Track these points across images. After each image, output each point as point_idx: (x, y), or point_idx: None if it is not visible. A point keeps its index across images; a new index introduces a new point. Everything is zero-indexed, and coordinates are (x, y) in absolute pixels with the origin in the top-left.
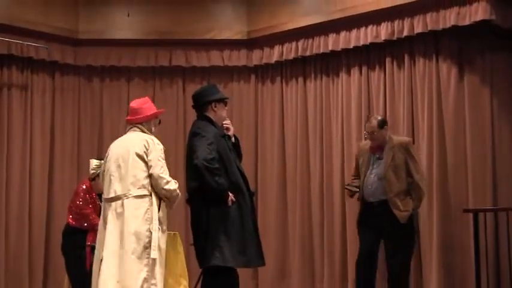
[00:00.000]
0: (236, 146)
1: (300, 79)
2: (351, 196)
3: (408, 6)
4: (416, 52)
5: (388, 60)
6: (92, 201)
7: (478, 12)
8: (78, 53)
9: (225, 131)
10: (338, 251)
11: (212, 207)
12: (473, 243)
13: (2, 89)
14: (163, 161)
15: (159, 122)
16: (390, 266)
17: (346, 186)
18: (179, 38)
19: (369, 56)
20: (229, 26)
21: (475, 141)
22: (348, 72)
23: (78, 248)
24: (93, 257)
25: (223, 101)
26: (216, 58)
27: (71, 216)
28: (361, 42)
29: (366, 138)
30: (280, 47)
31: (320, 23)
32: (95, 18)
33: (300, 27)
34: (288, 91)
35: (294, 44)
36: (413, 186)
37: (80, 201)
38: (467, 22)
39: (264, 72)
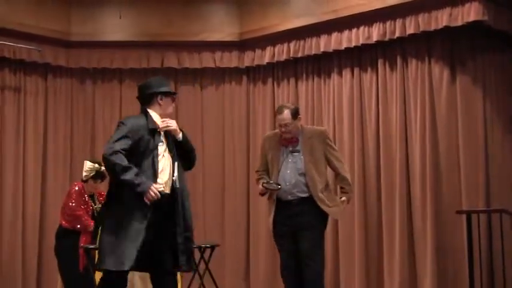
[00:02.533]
0: (183, 144)
1: (292, 80)
2: (263, 194)
3: (400, 7)
4: (408, 53)
5: (380, 61)
6: (84, 203)
7: (470, 13)
8: (70, 55)
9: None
10: (329, 250)
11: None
12: (467, 244)
13: None
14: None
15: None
16: (306, 274)
17: (265, 185)
18: (171, 39)
19: (360, 57)
20: (221, 27)
21: (468, 142)
22: (340, 74)
23: (71, 250)
24: (86, 258)
25: (171, 95)
26: (208, 60)
27: (63, 218)
28: (353, 44)
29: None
30: (272, 48)
31: (312, 24)
32: (87, 20)
33: (291, 29)
34: (280, 92)
35: (285, 45)
36: (340, 178)
37: (72, 203)
38: (459, 23)
39: (256, 73)
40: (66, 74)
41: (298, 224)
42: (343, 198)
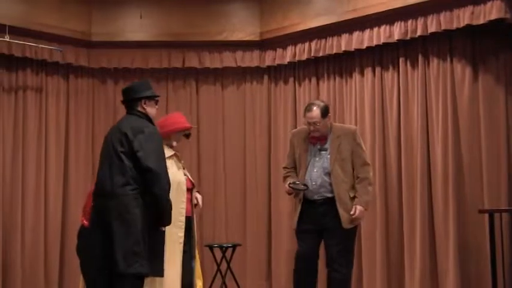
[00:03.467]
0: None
1: (313, 80)
2: (290, 194)
3: (421, 5)
4: (430, 52)
5: (401, 60)
6: None
7: (492, 11)
8: (91, 55)
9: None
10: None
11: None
12: (489, 244)
13: (18, 91)
14: None
15: (188, 136)
16: (334, 279)
17: (291, 186)
18: (192, 39)
19: (382, 56)
20: (241, 27)
21: (490, 141)
22: (361, 73)
23: (93, 249)
24: None
25: (153, 98)
26: (229, 59)
27: (85, 218)
28: (374, 42)
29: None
30: (293, 47)
31: (333, 23)
32: (108, 20)
33: (312, 28)
34: (301, 92)
35: (306, 44)
36: (358, 181)
37: None
38: (481, 21)
39: (277, 73)
40: (88, 74)
41: (324, 225)
42: (356, 213)
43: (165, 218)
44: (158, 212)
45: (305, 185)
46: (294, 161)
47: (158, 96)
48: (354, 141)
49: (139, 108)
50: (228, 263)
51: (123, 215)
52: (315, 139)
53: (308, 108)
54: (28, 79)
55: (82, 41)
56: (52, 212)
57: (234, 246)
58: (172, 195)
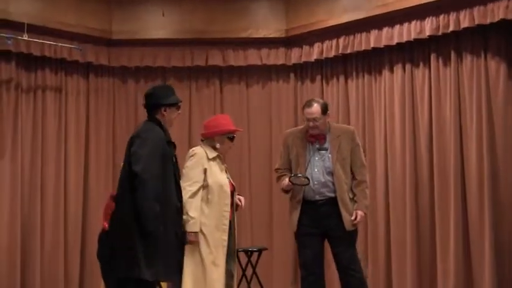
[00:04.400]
0: None
1: (341, 77)
2: (287, 191)
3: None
4: (463, 48)
5: (433, 56)
6: None
7: None
8: (112, 53)
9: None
10: (381, 252)
11: None
12: None
13: (36, 91)
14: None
15: (231, 139)
16: (352, 284)
17: (292, 179)
18: (215, 37)
19: (412, 53)
20: (266, 24)
21: None
22: (391, 70)
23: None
24: None
25: (175, 105)
26: (253, 57)
27: (106, 221)
28: (405, 39)
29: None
30: (320, 44)
31: (361, 19)
32: (128, 18)
33: (340, 24)
34: (329, 90)
35: (334, 41)
36: (356, 183)
37: None
38: None
39: (304, 70)
40: (108, 73)
41: (327, 227)
42: (357, 218)
43: (143, 225)
44: (138, 218)
45: (307, 178)
46: (287, 162)
47: (180, 102)
48: (353, 142)
49: (158, 116)
50: (254, 267)
51: (118, 220)
52: (313, 138)
53: (308, 104)
54: (47, 79)
55: (102, 39)
56: (72, 215)
57: (260, 251)
58: (215, 199)
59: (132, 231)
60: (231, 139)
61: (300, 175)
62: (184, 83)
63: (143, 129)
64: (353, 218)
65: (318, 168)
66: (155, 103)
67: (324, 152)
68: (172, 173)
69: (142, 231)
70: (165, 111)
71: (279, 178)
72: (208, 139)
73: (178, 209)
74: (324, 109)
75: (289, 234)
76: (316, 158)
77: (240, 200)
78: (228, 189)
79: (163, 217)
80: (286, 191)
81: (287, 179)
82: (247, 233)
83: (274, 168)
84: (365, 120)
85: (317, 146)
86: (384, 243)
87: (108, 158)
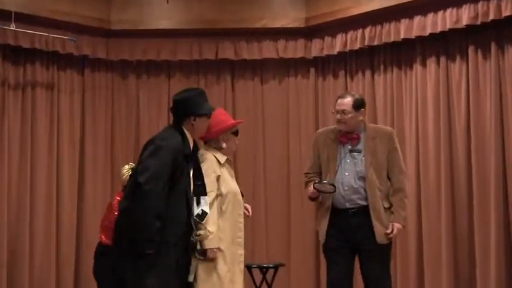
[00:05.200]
0: None
1: (367, 72)
2: (313, 199)
3: None
4: (504, 38)
5: (471, 48)
6: None
7: None
8: (110, 45)
9: None
10: (412, 265)
11: None
12: None
13: (25, 88)
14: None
15: (236, 133)
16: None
17: (316, 185)
18: (226, 27)
19: (448, 45)
20: (284, 12)
21: None
22: (424, 64)
23: (113, 272)
24: None
25: (207, 115)
26: (269, 49)
27: (104, 234)
28: (439, 29)
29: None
30: (344, 35)
31: (390, 6)
32: (129, 5)
33: (366, 12)
34: (353, 86)
35: (359, 31)
36: (393, 190)
37: (115, 214)
38: None
39: (325, 65)
40: (106, 68)
41: (358, 240)
42: (393, 231)
43: (135, 243)
44: (132, 235)
45: (333, 185)
46: (317, 165)
47: (213, 110)
48: (391, 145)
49: (184, 124)
50: (270, 285)
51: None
52: (345, 138)
53: (340, 96)
54: (37, 74)
55: (100, 29)
56: (65, 226)
57: (276, 267)
58: (229, 209)
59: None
60: (235, 133)
61: (325, 182)
62: (192, 79)
63: (161, 136)
64: (388, 231)
65: (348, 172)
66: (185, 112)
67: (356, 154)
68: (183, 191)
69: (134, 250)
70: (194, 120)
71: (307, 184)
72: (212, 140)
73: (184, 233)
74: (357, 104)
75: (309, 248)
76: (348, 161)
77: (246, 209)
78: (241, 197)
79: (163, 239)
80: (312, 198)
81: (311, 187)
82: (262, 247)
83: (303, 172)
84: (394, 121)
85: (349, 147)
86: (415, 259)
87: (106, 163)
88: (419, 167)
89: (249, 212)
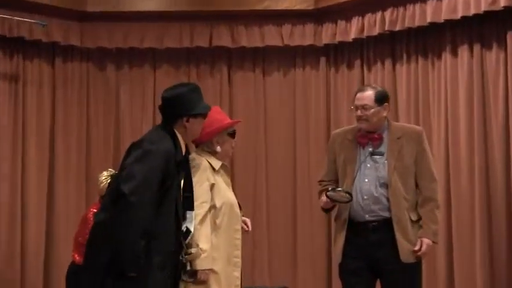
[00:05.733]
0: None
1: (387, 62)
2: (327, 210)
3: None
4: None
5: (509, 34)
6: None
7: None
8: (85, 30)
9: None
10: (443, 276)
11: None
12: None
13: None
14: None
15: (232, 135)
16: None
17: (329, 193)
18: (223, 9)
19: (482, 30)
20: None
21: None
22: (454, 52)
23: None
24: None
25: (202, 115)
26: (272, 35)
27: (77, 252)
28: (472, 11)
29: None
30: (360, 19)
31: None
32: None
33: None
34: (371, 78)
35: (379, 14)
36: (422, 199)
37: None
38: None
39: (338, 53)
40: (80, 57)
41: (381, 259)
42: (421, 248)
43: (117, 264)
44: (113, 254)
45: (349, 193)
46: (333, 172)
47: (209, 110)
48: (420, 146)
49: (176, 126)
50: None
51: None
52: (365, 138)
53: (360, 89)
54: (0, 63)
55: (73, 12)
56: (32, 243)
57: None
58: (224, 223)
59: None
60: (232, 135)
61: (339, 189)
62: (182, 70)
63: (149, 138)
64: (416, 247)
65: (369, 179)
66: (177, 112)
67: (378, 157)
68: (173, 203)
69: (113, 272)
70: (187, 121)
71: (320, 193)
72: (205, 143)
73: (173, 252)
74: (380, 97)
75: (319, 269)
76: (368, 165)
77: (245, 223)
78: (238, 210)
79: (148, 260)
80: (325, 210)
81: (324, 196)
82: (263, 267)
83: (317, 180)
84: (418, 119)
85: (370, 149)
86: (444, 280)
87: (81, 169)
88: (449, 174)
89: (248, 227)
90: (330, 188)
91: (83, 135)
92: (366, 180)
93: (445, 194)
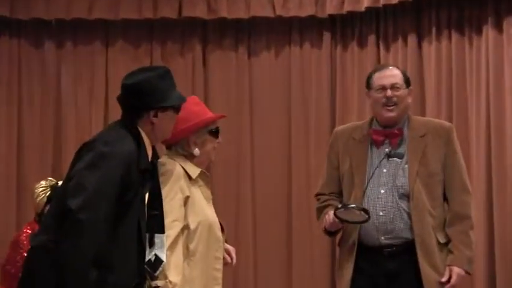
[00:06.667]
0: None
1: (411, 38)
2: (331, 233)
3: None
4: None
5: None
6: None
7: None
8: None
9: None
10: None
11: None
12: None
13: None
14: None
15: (215, 134)
16: None
17: (339, 213)
18: None
19: None
20: None
21: None
22: (497, 26)
23: None
24: None
25: (174, 107)
26: (261, 4)
27: (5, 284)
28: None
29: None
30: None
31: None
32: None
33: None
34: (390, 58)
35: None
36: (454, 217)
37: (24, 255)
38: None
39: (347, 27)
40: (10, 31)
41: None
42: (451, 279)
43: None
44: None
45: (365, 211)
46: (335, 182)
47: (183, 102)
48: (449, 148)
49: (140, 122)
50: None
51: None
52: (381, 135)
53: (380, 67)
54: None
55: None
56: None
57: None
58: (200, 249)
59: None
60: (215, 134)
61: (352, 205)
62: (142, 48)
63: (104, 138)
64: (444, 279)
65: (385, 189)
66: (141, 105)
67: (397, 160)
68: (135, 223)
69: None
70: (155, 116)
71: (320, 210)
72: (178, 144)
73: (134, 286)
74: (407, 79)
75: None
76: (384, 171)
77: (228, 253)
78: (220, 232)
79: None
80: (330, 233)
81: (331, 213)
82: None
83: (314, 193)
84: (452, 111)
85: (386, 149)
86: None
87: (10, 176)
88: (491, 181)
89: (232, 258)
90: (339, 206)
91: (13, 132)
92: (382, 191)
93: (486, 212)
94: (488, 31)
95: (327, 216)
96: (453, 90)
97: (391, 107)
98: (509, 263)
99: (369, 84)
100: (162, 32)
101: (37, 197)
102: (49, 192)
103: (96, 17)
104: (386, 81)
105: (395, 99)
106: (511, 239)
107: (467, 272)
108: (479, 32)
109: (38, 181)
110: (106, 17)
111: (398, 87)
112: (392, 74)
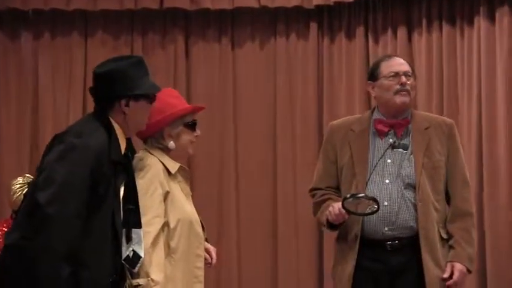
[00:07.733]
0: None
1: (401, 30)
2: (335, 227)
3: None
4: None
5: None
6: None
7: None
8: None
9: None
10: None
11: None
12: None
13: None
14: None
15: (192, 126)
16: None
17: (347, 205)
18: None
19: None
20: None
21: None
22: (490, 17)
23: None
24: None
25: (148, 97)
26: None
27: None
28: None
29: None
30: None
31: None
32: None
33: None
34: (379, 51)
35: None
36: (456, 213)
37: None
38: None
39: (335, 18)
40: None
41: None
42: (453, 276)
43: None
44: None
45: (374, 200)
46: (332, 176)
47: (157, 91)
48: (452, 144)
49: (112, 114)
50: None
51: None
52: (386, 125)
53: (389, 56)
54: None
55: None
56: None
57: None
58: (181, 247)
59: None
60: (192, 127)
61: (361, 195)
62: (122, 40)
63: (75, 130)
64: (446, 275)
65: (390, 179)
66: (111, 93)
67: (402, 151)
68: (109, 218)
69: None
70: (126, 105)
71: (318, 205)
72: (153, 137)
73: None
74: (414, 72)
75: None
76: (388, 161)
77: (208, 253)
78: (200, 229)
79: None
80: (334, 226)
81: (336, 205)
82: None
83: (309, 188)
84: (442, 106)
85: (390, 140)
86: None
87: None
88: (482, 179)
89: (212, 258)
90: (348, 196)
91: None
92: (387, 181)
93: (476, 206)
94: (480, 22)
95: (330, 208)
96: (444, 82)
97: (404, 93)
98: (499, 256)
99: (374, 75)
100: (143, 23)
101: (14, 194)
102: (26, 189)
103: (74, 8)
104: (400, 68)
105: (408, 86)
106: (502, 232)
107: (468, 270)
108: (470, 23)
109: (15, 177)
110: (85, 7)
111: (410, 76)
112: (404, 63)
